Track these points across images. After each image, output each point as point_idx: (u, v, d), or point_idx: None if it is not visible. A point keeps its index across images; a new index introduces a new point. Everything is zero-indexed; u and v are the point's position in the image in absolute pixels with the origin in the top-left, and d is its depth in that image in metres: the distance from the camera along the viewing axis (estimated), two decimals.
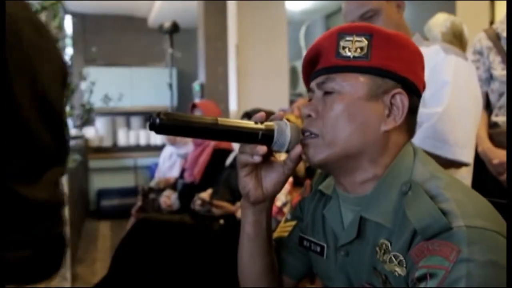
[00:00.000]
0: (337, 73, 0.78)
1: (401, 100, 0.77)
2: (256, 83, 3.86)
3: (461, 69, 1.33)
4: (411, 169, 0.76)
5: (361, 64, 0.77)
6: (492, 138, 1.83)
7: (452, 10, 3.50)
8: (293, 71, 5.19)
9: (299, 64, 5.32)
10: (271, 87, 3.90)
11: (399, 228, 0.71)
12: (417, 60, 0.82)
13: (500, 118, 1.83)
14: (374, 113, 0.77)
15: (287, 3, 4.15)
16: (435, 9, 3.62)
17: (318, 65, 0.82)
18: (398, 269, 0.70)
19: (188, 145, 3.43)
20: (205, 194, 2.51)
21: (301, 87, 5.19)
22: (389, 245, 0.73)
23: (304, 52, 5.48)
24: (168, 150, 3.73)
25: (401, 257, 0.70)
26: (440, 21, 2.34)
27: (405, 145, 0.79)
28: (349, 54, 0.77)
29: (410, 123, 0.80)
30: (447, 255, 0.62)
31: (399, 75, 0.77)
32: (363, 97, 0.76)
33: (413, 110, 0.80)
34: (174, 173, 3.51)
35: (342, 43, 0.78)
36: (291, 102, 3.91)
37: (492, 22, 3.82)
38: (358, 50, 0.77)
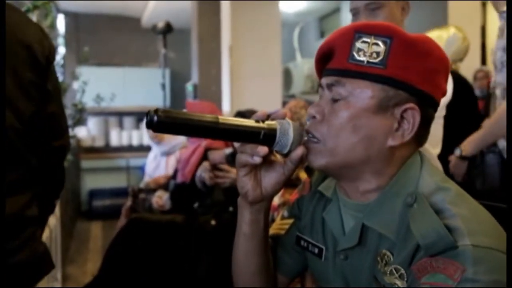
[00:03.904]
0: (348, 78, 0.73)
1: (413, 115, 0.72)
2: (250, 84, 3.86)
3: None
4: (417, 180, 0.73)
5: (375, 72, 0.71)
6: None
7: (444, 14, 3.53)
8: (286, 72, 5.20)
9: (292, 66, 5.35)
10: (264, 89, 3.90)
11: (402, 241, 0.70)
12: (439, 69, 0.75)
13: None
14: (381, 127, 0.72)
15: (281, 5, 4.16)
16: (427, 13, 3.65)
17: (330, 63, 0.76)
18: (398, 282, 0.69)
19: (170, 142, 3.47)
20: (218, 154, 2.38)
21: (294, 89, 5.20)
22: (391, 256, 0.71)
23: (297, 54, 5.51)
24: (152, 153, 3.77)
25: (402, 271, 0.68)
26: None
27: (411, 155, 0.76)
28: (363, 58, 0.72)
29: (420, 135, 0.75)
30: (452, 274, 0.61)
31: (415, 87, 0.72)
32: (371, 108, 0.72)
33: (425, 123, 0.75)
34: (160, 173, 3.54)
35: (357, 45, 0.72)
36: (284, 103, 3.91)
37: (483, 26, 3.87)
38: (374, 55, 0.71)
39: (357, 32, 0.73)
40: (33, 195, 1.01)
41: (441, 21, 3.47)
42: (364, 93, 0.72)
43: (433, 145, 1.50)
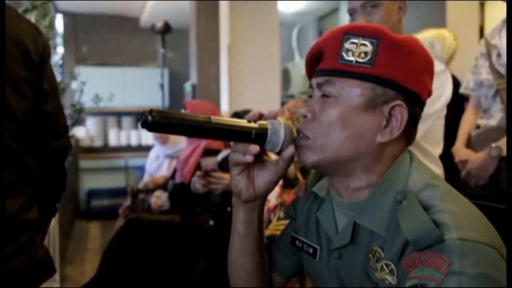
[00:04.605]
0: (337, 77, 0.75)
1: (401, 112, 0.74)
2: (248, 84, 3.86)
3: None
4: (407, 177, 0.75)
5: (363, 71, 0.74)
6: (470, 140, 1.88)
7: (442, 14, 3.53)
8: (285, 72, 5.20)
9: (291, 66, 5.35)
10: (263, 88, 3.90)
11: (392, 237, 0.71)
12: (425, 69, 0.78)
13: (482, 121, 1.88)
14: (370, 124, 0.75)
15: (279, 5, 4.16)
16: (425, 13, 3.66)
17: (320, 64, 0.79)
18: (389, 278, 0.70)
19: (176, 145, 3.44)
20: (210, 161, 2.43)
21: (293, 89, 5.20)
22: (381, 253, 0.72)
23: (296, 54, 5.51)
24: (154, 151, 3.74)
25: (393, 266, 0.70)
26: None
27: (401, 152, 0.78)
28: (351, 58, 0.74)
29: (408, 133, 0.78)
30: (439, 267, 0.62)
31: (402, 86, 0.75)
32: (360, 106, 0.74)
33: (413, 121, 0.78)
34: (162, 174, 3.51)
35: (346, 45, 0.75)
36: (283, 103, 3.91)
37: (481, 26, 3.87)
38: (362, 55, 0.74)
39: (345, 33, 0.76)
40: (30, 198, 0.97)
41: (440, 21, 3.47)
42: (353, 92, 0.74)
43: (434, 145, 1.50)
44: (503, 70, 1.78)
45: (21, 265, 0.92)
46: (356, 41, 0.75)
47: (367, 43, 0.74)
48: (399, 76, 0.74)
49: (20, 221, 0.93)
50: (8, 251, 0.90)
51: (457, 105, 2.07)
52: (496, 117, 1.81)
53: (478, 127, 1.91)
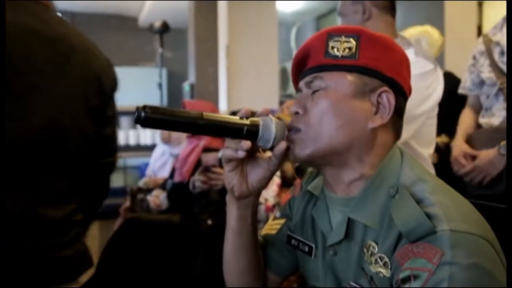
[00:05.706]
0: (325, 72, 0.79)
1: (388, 98, 0.78)
2: (247, 84, 3.87)
3: (416, 70, 1.36)
4: (399, 172, 0.76)
5: (349, 63, 0.78)
6: (472, 139, 1.86)
7: (440, 14, 3.54)
8: (283, 72, 5.21)
9: (289, 65, 5.32)
10: (261, 88, 3.90)
11: (386, 230, 0.72)
12: (403, 63, 0.83)
13: (484, 120, 1.86)
14: (360, 110, 0.77)
15: (278, 4, 4.16)
16: (424, 13, 3.67)
17: (307, 66, 0.83)
18: (383, 270, 0.71)
19: (181, 145, 3.42)
20: (211, 157, 2.46)
21: (291, 88, 5.20)
22: (376, 246, 0.73)
23: (294, 53, 5.51)
24: (160, 149, 3.70)
25: (386, 259, 0.71)
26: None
27: (391, 146, 0.80)
28: (337, 53, 0.79)
29: (396, 124, 0.81)
30: (431, 258, 0.63)
31: (385, 75, 0.79)
32: (349, 94, 0.77)
33: (399, 112, 0.81)
34: (165, 172, 3.48)
35: (331, 43, 0.79)
36: (281, 103, 3.92)
37: (479, 25, 3.88)
38: (347, 50, 0.78)
39: (329, 33, 0.81)
40: (81, 203, 1.14)
41: (438, 21, 3.48)
42: (341, 82, 0.78)
43: (426, 145, 1.48)
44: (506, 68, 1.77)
45: (71, 254, 1.10)
46: (339, 39, 0.80)
47: (350, 39, 0.79)
48: (382, 67, 0.79)
49: (71, 221, 1.12)
50: (63, 241, 1.08)
51: (458, 103, 2.05)
52: (498, 115, 1.79)
53: (479, 126, 1.89)
